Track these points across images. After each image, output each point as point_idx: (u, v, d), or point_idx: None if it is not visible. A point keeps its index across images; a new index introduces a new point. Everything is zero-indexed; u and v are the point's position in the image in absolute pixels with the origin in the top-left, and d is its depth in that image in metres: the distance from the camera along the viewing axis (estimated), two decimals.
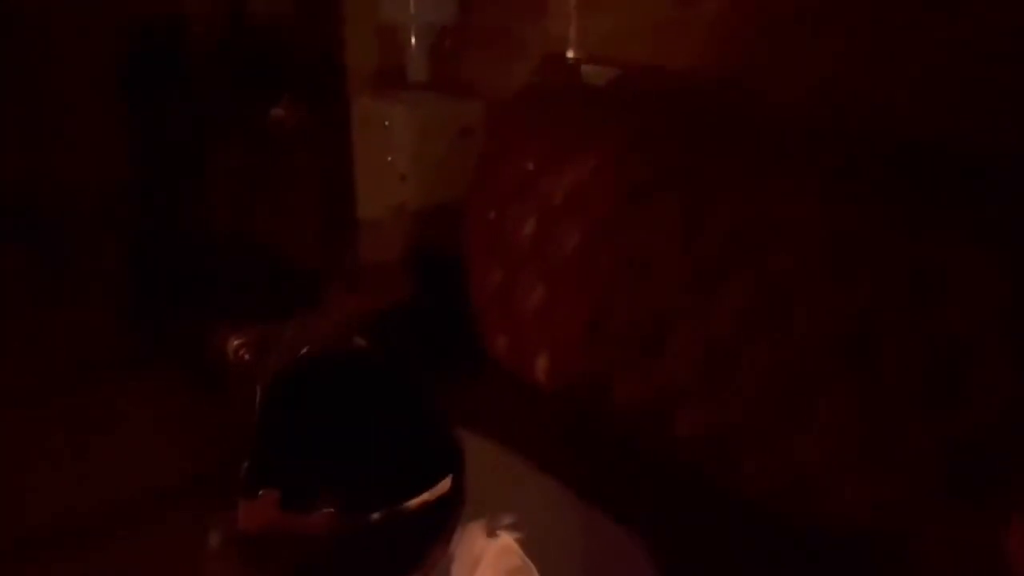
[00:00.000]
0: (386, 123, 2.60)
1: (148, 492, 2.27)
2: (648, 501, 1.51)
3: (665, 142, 1.89)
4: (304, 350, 1.03)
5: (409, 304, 2.10)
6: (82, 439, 2.46)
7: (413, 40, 2.72)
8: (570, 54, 2.33)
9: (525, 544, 0.97)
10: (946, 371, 1.42)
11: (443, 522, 0.96)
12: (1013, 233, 1.42)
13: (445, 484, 0.94)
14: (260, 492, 0.91)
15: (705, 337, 1.69)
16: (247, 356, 1.87)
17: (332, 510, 0.90)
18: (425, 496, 0.92)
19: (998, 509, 1.33)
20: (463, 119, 2.58)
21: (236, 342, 1.88)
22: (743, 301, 1.65)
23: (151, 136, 3.08)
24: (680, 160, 1.83)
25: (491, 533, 0.99)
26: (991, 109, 1.63)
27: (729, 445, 1.63)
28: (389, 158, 2.60)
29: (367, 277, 2.37)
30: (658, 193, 1.82)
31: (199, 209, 3.13)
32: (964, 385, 1.40)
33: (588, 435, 1.78)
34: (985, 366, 1.39)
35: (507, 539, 0.98)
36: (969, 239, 1.45)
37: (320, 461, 0.92)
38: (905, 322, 1.47)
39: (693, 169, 1.80)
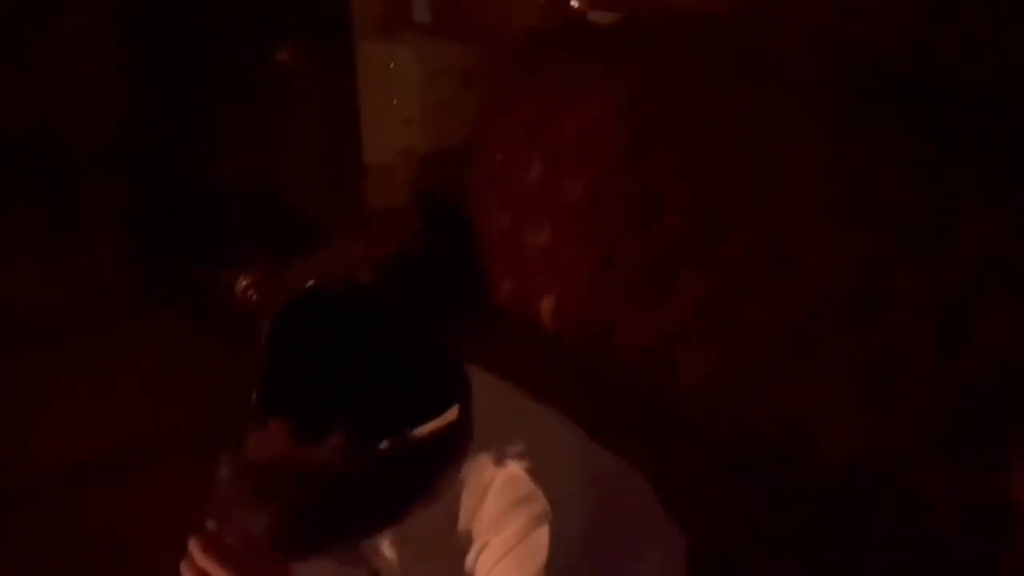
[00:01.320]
0: (391, 65, 2.57)
1: (156, 433, 2.29)
2: (650, 442, 1.51)
3: (672, 85, 1.87)
4: (310, 283, 1.03)
5: (415, 248, 2.10)
6: (90, 381, 2.48)
7: None
8: None
9: (533, 472, 0.98)
10: (951, 316, 1.42)
11: (451, 450, 0.97)
12: None
13: (452, 412, 0.95)
14: (269, 422, 0.92)
15: (710, 281, 1.70)
16: (255, 297, 1.89)
17: (341, 439, 0.91)
18: (432, 424, 0.93)
19: (1002, 453, 1.33)
20: (469, 62, 2.56)
21: (244, 283, 1.89)
22: (750, 245, 1.65)
23: (158, 80, 3.05)
24: (687, 104, 1.82)
25: (499, 462, 0.99)
26: (1007, 48, 1.61)
27: (733, 389, 1.65)
28: (394, 101, 2.58)
29: (373, 221, 2.37)
30: (665, 137, 1.81)
31: (206, 153, 3.12)
32: (970, 330, 1.40)
33: (592, 377, 1.79)
34: (991, 311, 1.39)
35: (515, 468, 0.99)
36: (980, 186, 1.44)
37: (328, 391, 0.92)
38: (912, 267, 1.47)
39: (700, 112, 1.79)
